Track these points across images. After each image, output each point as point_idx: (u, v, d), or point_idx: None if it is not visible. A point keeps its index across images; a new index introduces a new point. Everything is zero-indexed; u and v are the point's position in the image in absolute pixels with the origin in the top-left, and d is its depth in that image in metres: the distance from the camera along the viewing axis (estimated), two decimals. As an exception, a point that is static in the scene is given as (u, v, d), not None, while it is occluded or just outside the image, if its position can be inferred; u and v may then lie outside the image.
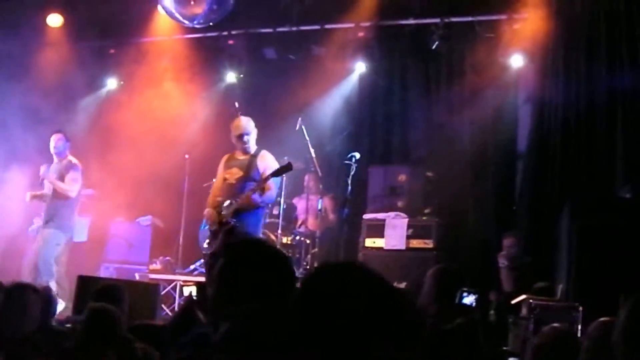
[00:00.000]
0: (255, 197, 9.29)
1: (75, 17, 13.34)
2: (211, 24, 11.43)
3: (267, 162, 9.65)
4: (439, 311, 6.21)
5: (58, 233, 11.00)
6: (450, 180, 11.98)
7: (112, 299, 5.95)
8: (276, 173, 9.29)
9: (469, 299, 5.99)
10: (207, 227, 9.63)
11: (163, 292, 11.38)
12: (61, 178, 11.03)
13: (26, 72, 13.19)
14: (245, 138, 9.71)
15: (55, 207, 11.07)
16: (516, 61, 12.04)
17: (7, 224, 12.29)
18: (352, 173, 11.08)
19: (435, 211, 11.71)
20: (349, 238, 11.77)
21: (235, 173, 9.65)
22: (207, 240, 9.50)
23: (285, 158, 11.58)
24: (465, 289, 5.98)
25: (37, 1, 12.89)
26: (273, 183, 9.56)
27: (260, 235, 9.99)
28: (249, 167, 9.60)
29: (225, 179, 9.71)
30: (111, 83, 14.55)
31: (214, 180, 10.25)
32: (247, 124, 9.82)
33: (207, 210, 9.67)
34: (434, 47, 12.30)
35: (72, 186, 11.08)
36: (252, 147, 9.80)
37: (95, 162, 12.92)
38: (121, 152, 12.38)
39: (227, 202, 9.40)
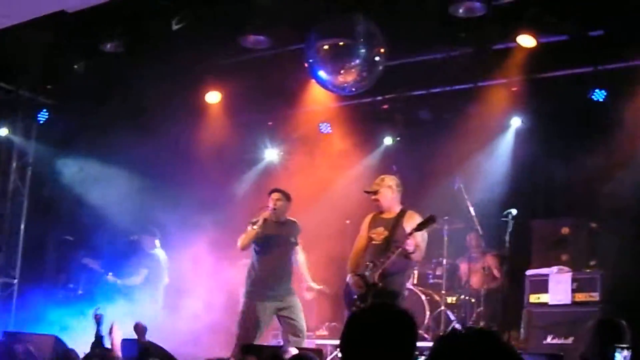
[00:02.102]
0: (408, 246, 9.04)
1: (232, 93, 13.82)
2: (363, 90, 11.56)
3: (414, 221, 9.29)
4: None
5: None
6: (615, 230, 11.68)
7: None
8: (420, 227, 8.99)
9: (621, 356, 5.81)
10: (354, 295, 9.39)
11: (329, 358, 11.54)
12: None
13: (188, 147, 13.90)
14: (373, 196, 9.61)
15: None
16: (676, 104, 11.71)
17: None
18: (509, 230, 10.90)
19: (602, 263, 11.42)
20: (513, 295, 11.58)
21: (381, 233, 9.47)
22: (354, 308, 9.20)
23: (445, 217, 11.63)
24: (617, 345, 5.80)
25: (194, 81, 13.44)
26: (421, 238, 9.21)
27: (405, 296, 9.87)
28: (395, 227, 9.37)
29: (371, 239, 9.56)
30: (270, 154, 15.03)
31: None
32: (377, 181, 9.74)
33: (350, 278, 9.49)
34: (590, 95, 12.09)
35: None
36: (389, 205, 9.59)
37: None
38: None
39: (370, 264, 9.19)
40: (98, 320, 9.07)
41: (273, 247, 10.50)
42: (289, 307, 10.29)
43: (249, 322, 10.26)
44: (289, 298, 10.37)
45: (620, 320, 6.54)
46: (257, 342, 10.13)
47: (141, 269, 13.19)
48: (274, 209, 10.49)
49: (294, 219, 10.79)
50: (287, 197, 10.68)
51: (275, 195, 10.62)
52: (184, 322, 12.49)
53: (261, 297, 10.31)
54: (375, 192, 9.58)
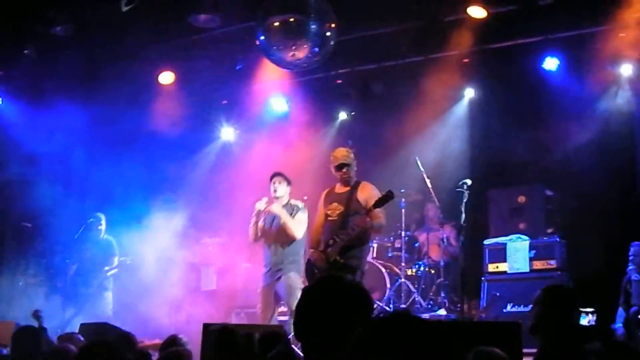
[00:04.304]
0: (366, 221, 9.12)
1: (185, 73, 13.76)
2: (315, 66, 11.54)
3: (368, 192, 9.46)
4: (549, 329, 6.17)
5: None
6: (570, 196, 11.82)
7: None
8: (378, 204, 9.01)
9: (585, 320, 5.90)
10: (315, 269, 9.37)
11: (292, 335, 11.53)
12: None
13: (144, 129, 13.81)
14: (345, 169, 9.60)
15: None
16: (626, 70, 11.84)
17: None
18: (465, 200, 10.96)
19: (558, 230, 11.55)
20: (472, 264, 11.67)
21: (336, 208, 9.54)
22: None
23: (401, 190, 11.65)
24: (581, 310, 5.88)
25: (147, 62, 13.34)
26: (380, 212, 9.26)
27: (365, 269, 9.81)
28: (349, 201, 9.45)
29: (327, 216, 9.62)
30: (226, 132, 15.01)
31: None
32: (345, 154, 9.71)
33: (312, 252, 9.55)
34: (541, 64, 12.19)
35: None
36: (352, 178, 9.68)
37: (219, 210, 13.34)
38: (243, 199, 12.50)
39: (330, 241, 9.28)
40: (37, 316, 9.46)
41: (271, 233, 10.32)
42: (281, 289, 10.12)
43: (261, 303, 10.23)
44: (285, 277, 10.04)
45: (568, 285, 6.63)
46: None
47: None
48: (275, 192, 10.33)
49: (297, 202, 10.46)
50: (287, 181, 10.50)
51: (276, 179, 10.44)
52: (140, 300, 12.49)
53: (266, 279, 10.19)
54: (348, 166, 9.57)
